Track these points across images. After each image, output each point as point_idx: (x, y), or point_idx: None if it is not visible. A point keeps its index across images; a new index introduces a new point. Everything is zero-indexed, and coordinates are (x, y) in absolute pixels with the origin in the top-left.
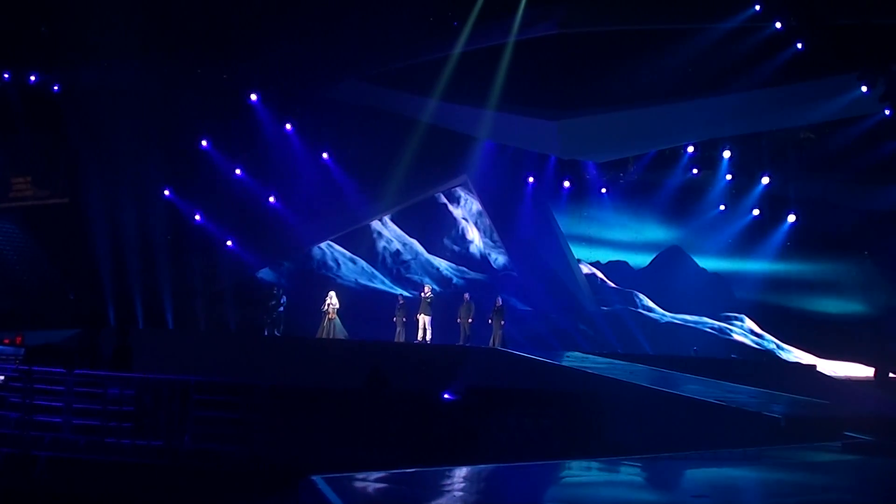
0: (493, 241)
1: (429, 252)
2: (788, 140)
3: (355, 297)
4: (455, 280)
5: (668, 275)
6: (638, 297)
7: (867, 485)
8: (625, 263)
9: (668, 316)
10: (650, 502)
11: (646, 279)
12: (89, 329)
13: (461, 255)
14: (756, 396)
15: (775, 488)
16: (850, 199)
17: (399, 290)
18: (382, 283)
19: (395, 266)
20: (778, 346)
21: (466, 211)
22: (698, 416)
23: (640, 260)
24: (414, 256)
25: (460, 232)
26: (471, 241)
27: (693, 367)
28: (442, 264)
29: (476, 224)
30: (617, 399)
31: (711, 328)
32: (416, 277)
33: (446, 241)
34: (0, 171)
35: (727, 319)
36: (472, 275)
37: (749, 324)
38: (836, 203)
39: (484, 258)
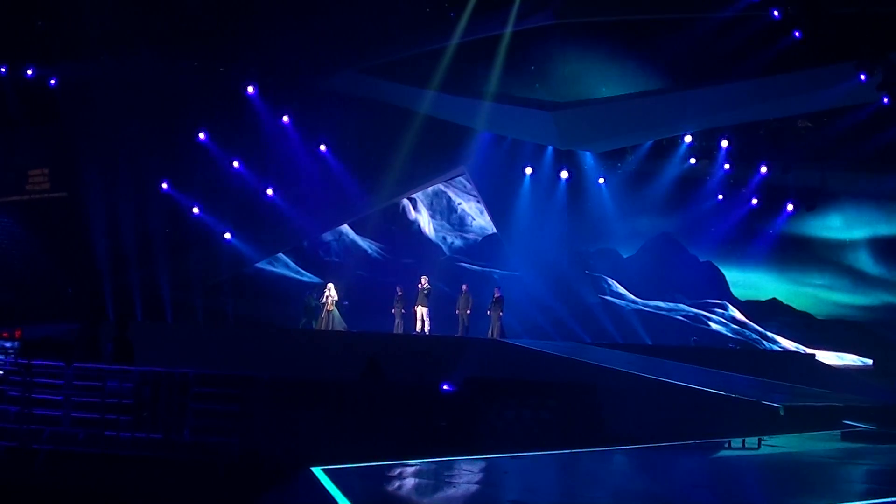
0: (452, 224)
1: (357, 233)
2: (787, 129)
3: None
4: (383, 264)
5: (656, 262)
6: (607, 283)
7: (866, 473)
8: (614, 250)
9: (640, 303)
10: (650, 491)
11: (633, 266)
12: (89, 323)
13: (399, 237)
14: (755, 386)
15: (774, 477)
16: (848, 188)
17: (307, 276)
18: (285, 268)
19: (312, 248)
20: (762, 337)
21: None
22: (697, 406)
23: (635, 249)
24: (336, 237)
25: (400, 211)
26: (413, 222)
27: (692, 356)
28: (371, 247)
29: (431, 205)
30: (616, 389)
31: (685, 316)
32: (335, 260)
33: (381, 222)
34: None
35: (708, 307)
36: (408, 260)
37: (733, 312)
38: (834, 192)
39: (430, 242)
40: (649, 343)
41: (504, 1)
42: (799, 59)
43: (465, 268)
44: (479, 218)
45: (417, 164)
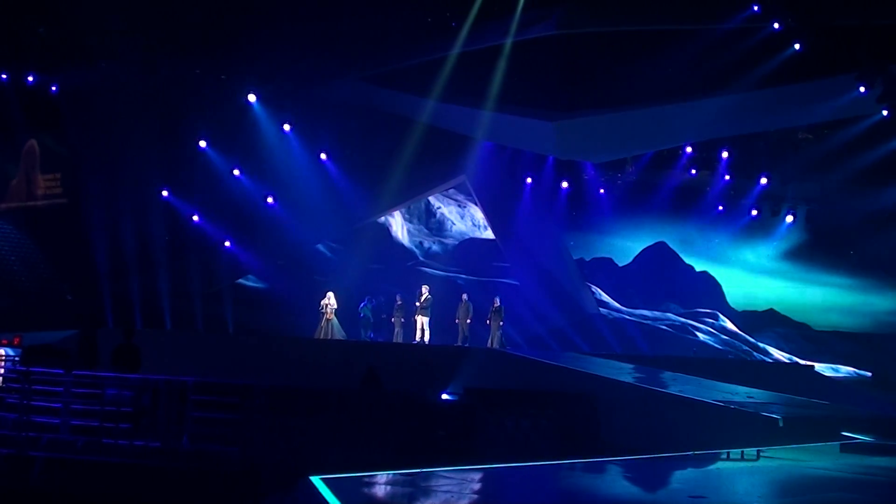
0: (430, 229)
1: None
2: (787, 141)
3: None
4: (344, 269)
5: (650, 271)
6: (591, 291)
7: (865, 485)
8: (609, 260)
9: (625, 311)
10: (648, 502)
11: (628, 275)
12: (87, 330)
13: (365, 240)
14: (754, 397)
15: (773, 488)
16: (848, 200)
17: (251, 280)
18: None
19: None
20: (752, 348)
21: None
22: (696, 417)
23: (631, 258)
24: None
25: None
26: (381, 225)
27: (691, 367)
28: (330, 249)
29: (408, 208)
30: (615, 400)
31: (671, 325)
32: (288, 263)
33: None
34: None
35: (698, 317)
36: (374, 265)
37: (724, 322)
38: (834, 204)
39: (402, 246)
40: (647, 353)
41: (506, 11)
42: (799, 71)
43: (427, 272)
44: (459, 222)
45: (418, 172)
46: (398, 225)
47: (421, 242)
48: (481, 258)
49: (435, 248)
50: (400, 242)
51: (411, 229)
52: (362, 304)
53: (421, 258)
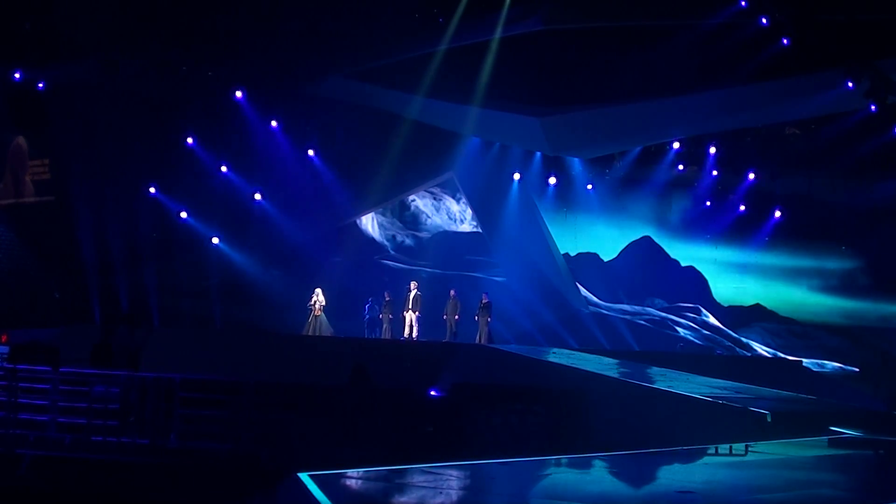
0: (405, 222)
1: None
2: (774, 136)
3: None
4: (302, 261)
5: (635, 266)
6: None
7: (853, 479)
8: (594, 255)
9: (604, 306)
10: (636, 497)
11: (613, 270)
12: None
13: (331, 232)
14: (742, 392)
15: (761, 483)
16: (835, 195)
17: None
18: None
19: None
20: (735, 343)
21: None
22: (685, 412)
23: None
24: None
25: None
26: (354, 220)
27: (678, 362)
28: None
29: None
30: (603, 395)
31: (649, 320)
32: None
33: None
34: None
35: (679, 311)
36: (337, 258)
37: (707, 317)
38: (821, 199)
39: (372, 240)
40: (636, 349)
41: (492, 7)
42: (786, 67)
43: (387, 265)
44: (434, 215)
45: (405, 169)
46: (368, 218)
47: (394, 236)
48: (455, 251)
49: (408, 241)
50: (370, 236)
51: (383, 222)
52: (367, 305)
53: (392, 252)
